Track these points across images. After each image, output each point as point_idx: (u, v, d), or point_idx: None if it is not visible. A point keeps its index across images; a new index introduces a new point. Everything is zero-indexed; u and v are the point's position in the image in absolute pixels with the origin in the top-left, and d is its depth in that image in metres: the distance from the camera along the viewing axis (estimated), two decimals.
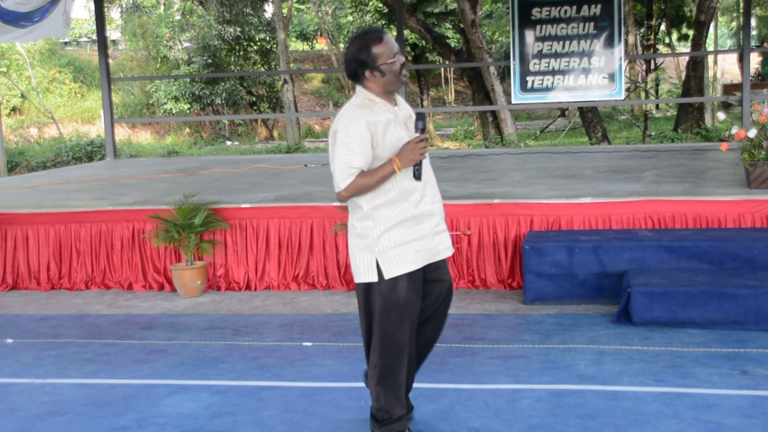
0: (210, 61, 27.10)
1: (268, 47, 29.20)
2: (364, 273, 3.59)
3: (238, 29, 27.81)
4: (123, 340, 5.68)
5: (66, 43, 30.60)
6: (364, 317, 3.70)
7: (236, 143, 26.65)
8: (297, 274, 7.02)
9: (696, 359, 4.75)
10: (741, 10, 16.03)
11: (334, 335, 5.61)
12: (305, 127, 29.34)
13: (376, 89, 3.55)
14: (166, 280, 7.17)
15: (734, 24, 34.16)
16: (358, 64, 3.51)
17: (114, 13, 30.82)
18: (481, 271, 6.75)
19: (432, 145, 21.75)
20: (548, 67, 11.55)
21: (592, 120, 18.11)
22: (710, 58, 28.95)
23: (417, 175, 3.53)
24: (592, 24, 11.35)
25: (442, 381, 4.48)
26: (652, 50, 24.03)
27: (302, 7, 38.30)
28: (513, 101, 11.91)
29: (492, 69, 18.01)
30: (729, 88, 22.94)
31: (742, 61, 12.18)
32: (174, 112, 26.61)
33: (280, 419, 4.10)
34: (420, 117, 3.58)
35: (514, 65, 11.63)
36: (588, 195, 6.86)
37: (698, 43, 18.78)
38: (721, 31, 37.30)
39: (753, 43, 27.53)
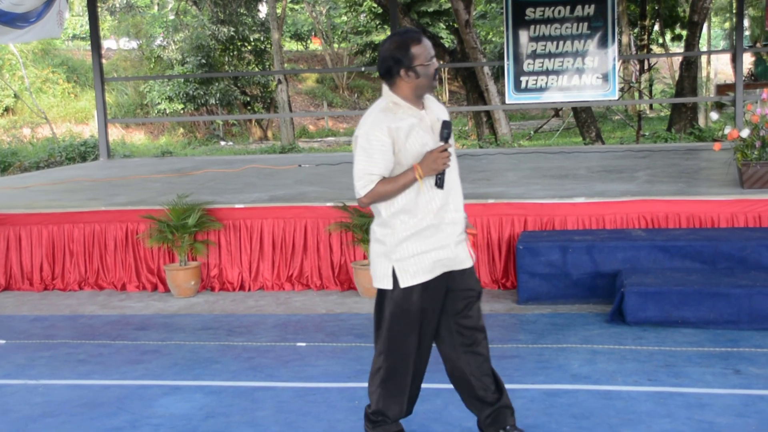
0: (204, 61, 27.05)
1: (262, 47, 29.17)
2: (380, 279, 3.50)
3: (232, 29, 27.78)
4: (116, 341, 5.67)
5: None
6: (376, 320, 3.60)
7: (230, 143, 26.61)
8: (291, 274, 7.01)
9: (689, 358, 4.77)
10: (734, 11, 16.05)
11: (328, 335, 5.61)
12: (299, 127, 29.31)
13: (407, 91, 3.46)
14: (159, 280, 7.16)
15: (727, 24, 34.25)
16: (394, 62, 3.41)
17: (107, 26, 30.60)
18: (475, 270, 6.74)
19: None
20: (542, 67, 11.56)
21: (585, 120, 18.15)
22: (703, 59, 28.99)
23: (439, 184, 3.42)
24: (585, 24, 11.37)
25: (435, 381, 4.47)
26: (645, 50, 24.08)
27: (296, 7, 38.27)
28: (507, 101, 11.93)
29: (486, 69, 18.02)
30: (722, 89, 23.02)
31: (735, 61, 12.21)
32: (168, 112, 26.56)
33: (274, 419, 4.10)
34: (446, 125, 3.47)
35: (508, 65, 11.64)
36: (582, 195, 6.87)
37: (691, 43, 18.82)
38: (714, 32, 37.40)
39: (746, 43, 27.58)
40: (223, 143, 26.54)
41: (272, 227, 7.05)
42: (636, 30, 24.57)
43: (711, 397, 4.17)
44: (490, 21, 26.58)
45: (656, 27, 26.33)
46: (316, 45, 39.56)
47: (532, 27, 11.52)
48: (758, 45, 26.94)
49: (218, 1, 28.05)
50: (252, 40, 28.83)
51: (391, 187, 3.38)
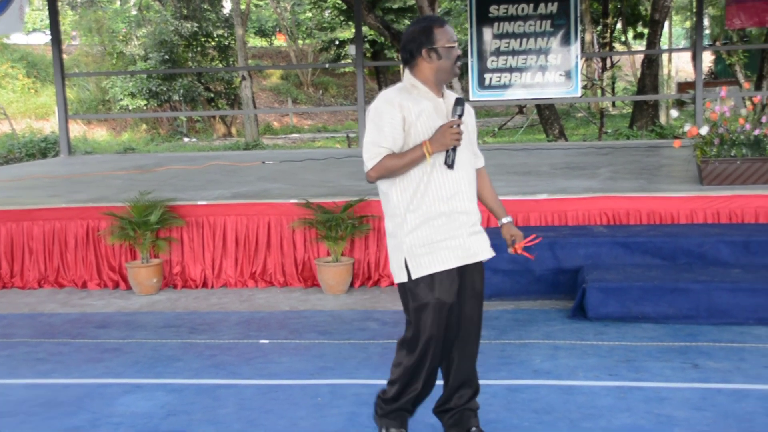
0: (167, 57, 26.80)
1: (226, 43, 28.96)
2: (396, 273, 3.43)
3: (196, 25, 27.57)
4: (77, 339, 5.60)
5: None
6: (406, 315, 3.49)
7: (194, 140, 26.41)
8: (254, 271, 6.98)
9: (649, 353, 4.82)
10: (694, 10, 16.26)
11: (291, 332, 5.59)
12: (263, 123, 29.16)
13: (428, 73, 3.40)
14: (121, 278, 7.09)
15: (688, 23, 34.69)
16: (416, 44, 3.37)
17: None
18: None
19: None
20: (506, 64, 11.63)
21: (549, 117, 18.27)
22: (665, 57, 29.36)
23: (449, 162, 3.30)
24: (548, 22, 11.45)
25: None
26: (608, 48, 24.30)
27: (261, 3, 38.11)
28: (471, 98, 11.95)
29: None
30: (683, 86, 23.28)
31: (696, 59, 12.38)
32: (130, 108, 26.28)
33: (236, 417, 4.08)
34: (459, 101, 3.36)
35: (472, 62, 11.68)
36: (544, 191, 6.92)
37: (653, 41, 19.05)
38: (675, 31, 37.86)
39: (706, 42, 27.94)
40: (186, 140, 26.32)
41: (235, 224, 7.01)
42: (599, 28, 24.79)
43: (670, 391, 4.23)
44: (455, 18, 26.62)
45: (618, 25, 26.59)
46: (280, 41, 39.40)
47: (496, 24, 11.57)
48: (718, 43, 27.33)
49: None
50: (216, 36, 28.62)
51: (398, 161, 3.30)
